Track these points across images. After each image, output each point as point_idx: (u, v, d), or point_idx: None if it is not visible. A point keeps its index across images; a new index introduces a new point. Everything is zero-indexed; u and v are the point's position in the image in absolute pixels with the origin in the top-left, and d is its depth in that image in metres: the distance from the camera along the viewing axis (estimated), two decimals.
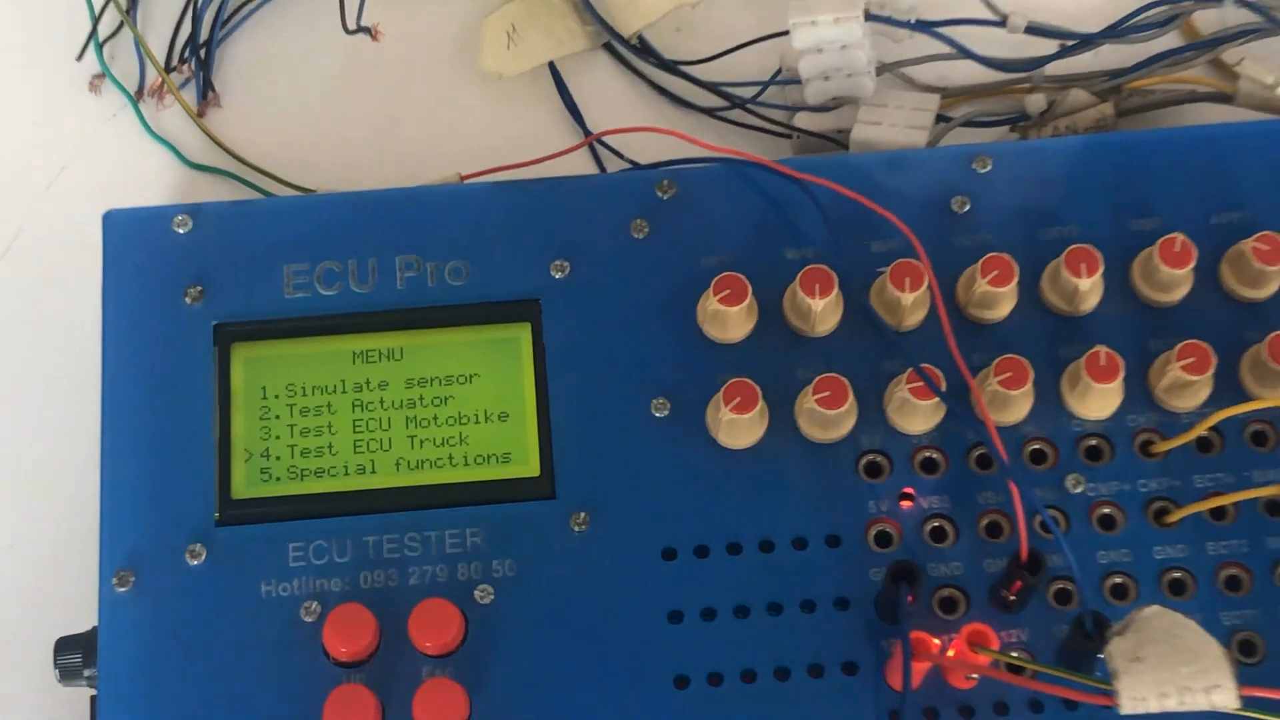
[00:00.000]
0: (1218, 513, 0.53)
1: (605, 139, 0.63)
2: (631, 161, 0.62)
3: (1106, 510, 0.53)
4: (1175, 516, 0.52)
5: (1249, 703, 0.46)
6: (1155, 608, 0.47)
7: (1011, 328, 0.55)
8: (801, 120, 0.63)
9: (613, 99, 0.65)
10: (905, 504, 0.53)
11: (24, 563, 0.59)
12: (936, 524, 0.53)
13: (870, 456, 0.54)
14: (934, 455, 0.54)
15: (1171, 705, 0.46)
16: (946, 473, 0.53)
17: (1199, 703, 0.46)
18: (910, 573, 0.50)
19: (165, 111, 0.65)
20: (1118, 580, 0.52)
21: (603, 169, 0.63)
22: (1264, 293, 0.55)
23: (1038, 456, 0.54)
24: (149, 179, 0.64)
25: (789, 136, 0.63)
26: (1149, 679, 0.46)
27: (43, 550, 0.59)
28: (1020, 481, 0.50)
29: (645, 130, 0.60)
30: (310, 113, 0.65)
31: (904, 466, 0.53)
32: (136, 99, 0.64)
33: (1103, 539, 0.53)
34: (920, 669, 0.49)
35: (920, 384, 0.52)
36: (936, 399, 0.52)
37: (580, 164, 0.63)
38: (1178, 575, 0.52)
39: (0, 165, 0.64)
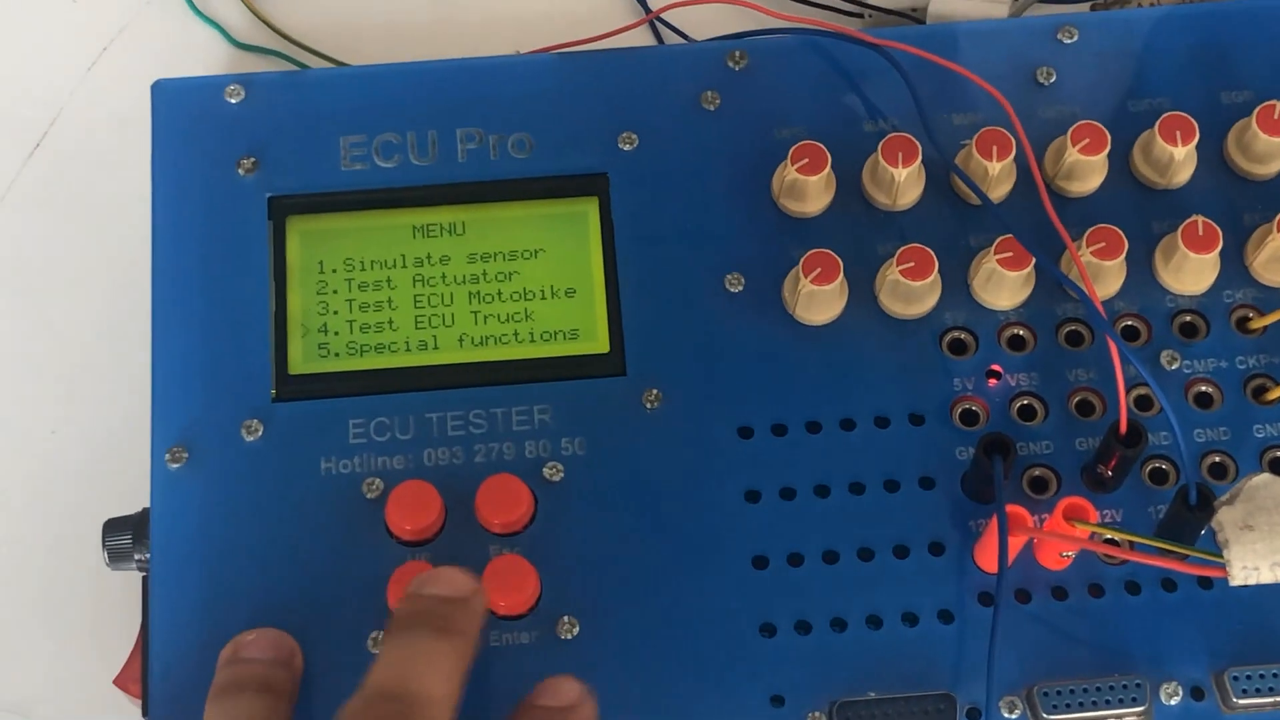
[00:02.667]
0: None
1: (666, 16, 0.60)
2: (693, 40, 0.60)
3: (1203, 388, 0.51)
4: (1276, 394, 0.50)
5: None
6: (1265, 476, 0.45)
7: (1101, 201, 0.52)
8: None
9: None
10: (992, 381, 0.51)
11: (69, 447, 0.57)
12: (1025, 402, 0.51)
13: (954, 333, 0.51)
14: (1021, 332, 0.51)
15: None
16: (1034, 349, 0.51)
17: None
18: (1003, 446, 0.47)
19: None
20: (1216, 459, 0.50)
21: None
22: None
23: (1130, 333, 0.51)
24: (194, 60, 0.61)
25: (860, 16, 0.61)
26: (1262, 547, 0.44)
27: (89, 435, 0.57)
28: (1121, 346, 0.47)
29: (711, 0, 0.58)
30: None
31: (990, 343, 0.51)
32: None
33: (1200, 416, 0.50)
34: (1015, 545, 0.47)
35: (1011, 254, 0.50)
36: (1025, 271, 0.50)
37: (640, 43, 0.61)
38: (1279, 454, 0.50)
39: (40, 46, 0.62)
